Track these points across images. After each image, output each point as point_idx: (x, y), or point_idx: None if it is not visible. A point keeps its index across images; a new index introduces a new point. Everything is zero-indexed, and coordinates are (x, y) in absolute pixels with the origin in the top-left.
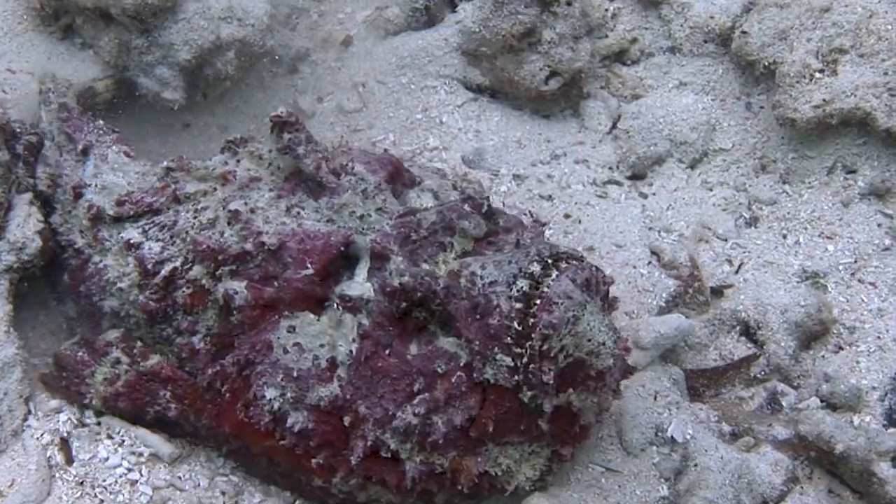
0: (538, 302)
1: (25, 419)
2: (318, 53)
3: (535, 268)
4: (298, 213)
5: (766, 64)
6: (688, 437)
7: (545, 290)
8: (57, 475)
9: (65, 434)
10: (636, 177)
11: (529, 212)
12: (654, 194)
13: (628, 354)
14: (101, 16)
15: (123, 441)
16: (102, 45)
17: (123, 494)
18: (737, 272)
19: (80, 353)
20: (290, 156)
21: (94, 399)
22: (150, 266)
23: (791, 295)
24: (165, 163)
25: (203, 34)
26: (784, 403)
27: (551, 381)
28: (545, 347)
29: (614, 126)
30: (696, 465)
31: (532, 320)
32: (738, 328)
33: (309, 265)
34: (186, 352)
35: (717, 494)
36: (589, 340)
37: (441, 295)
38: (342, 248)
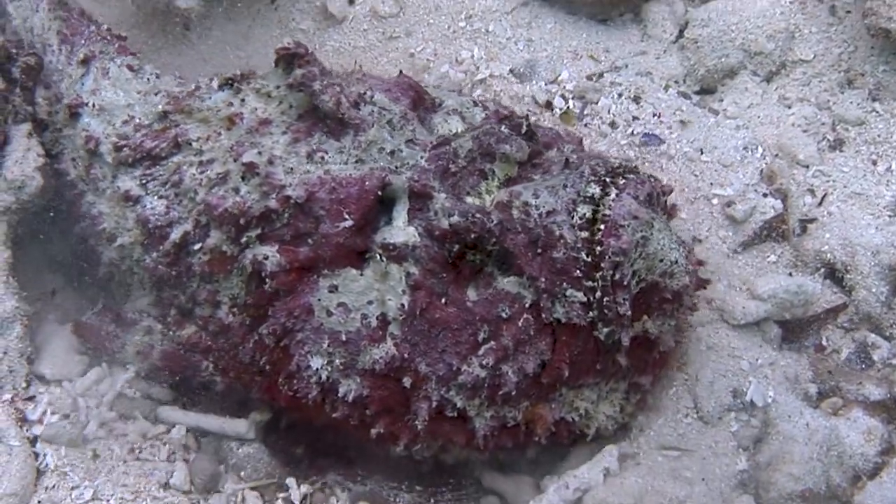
0: (602, 227)
1: (28, 382)
2: None
3: (594, 189)
4: (322, 157)
5: None
6: (769, 400)
7: (608, 212)
8: None
9: None
10: (705, 91)
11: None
12: (724, 111)
13: (701, 267)
14: None
15: None
16: None
17: None
18: (820, 204)
19: (105, 325)
20: (305, 93)
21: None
22: (154, 228)
23: (883, 234)
24: (161, 105)
25: None
26: (875, 357)
27: (628, 312)
28: (617, 276)
29: (681, 34)
30: (778, 434)
31: (599, 248)
32: (822, 270)
33: (347, 216)
34: (215, 326)
35: (803, 470)
36: (661, 261)
37: (496, 232)
38: (379, 192)
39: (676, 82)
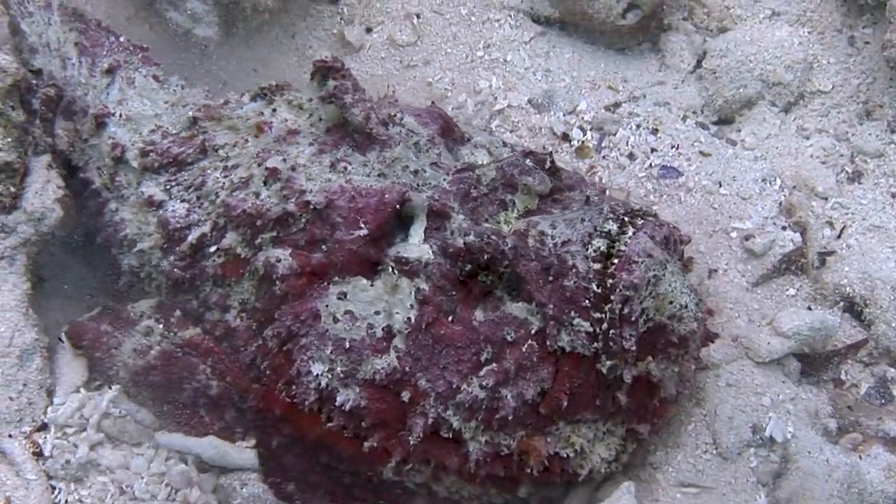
0: (616, 261)
1: (46, 412)
2: None
3: (612, 226)
4: (345, 168)
5: None
6: (788, 435)
7: (622, 247)
8: None
9: None
10: (723, 121)
11: None
12: (743, 141)
13: (711, 318)
14: None
15: None
16: None
17: None
18: (839, 237)
19: (102, 326)
20: (336, 105)
21: (122, 372)
22: (174, 230)
23: None
24: (191, 112)
25: None
26: (895, 392)
27: (633, 348)
28: (626, 310)
29: (699, 64)
30: (798, 470)
31: (611, 281)
32: (841, 304)
33: (363, 225)
34: (221, 330)
35: None
36: (671, 303)
37: (510, 255)
38: (398, 206)
39: (694, 112)
